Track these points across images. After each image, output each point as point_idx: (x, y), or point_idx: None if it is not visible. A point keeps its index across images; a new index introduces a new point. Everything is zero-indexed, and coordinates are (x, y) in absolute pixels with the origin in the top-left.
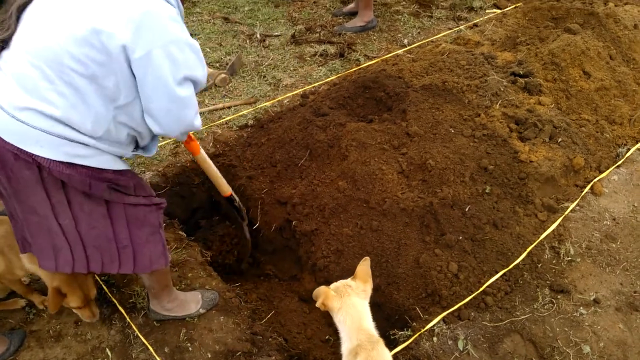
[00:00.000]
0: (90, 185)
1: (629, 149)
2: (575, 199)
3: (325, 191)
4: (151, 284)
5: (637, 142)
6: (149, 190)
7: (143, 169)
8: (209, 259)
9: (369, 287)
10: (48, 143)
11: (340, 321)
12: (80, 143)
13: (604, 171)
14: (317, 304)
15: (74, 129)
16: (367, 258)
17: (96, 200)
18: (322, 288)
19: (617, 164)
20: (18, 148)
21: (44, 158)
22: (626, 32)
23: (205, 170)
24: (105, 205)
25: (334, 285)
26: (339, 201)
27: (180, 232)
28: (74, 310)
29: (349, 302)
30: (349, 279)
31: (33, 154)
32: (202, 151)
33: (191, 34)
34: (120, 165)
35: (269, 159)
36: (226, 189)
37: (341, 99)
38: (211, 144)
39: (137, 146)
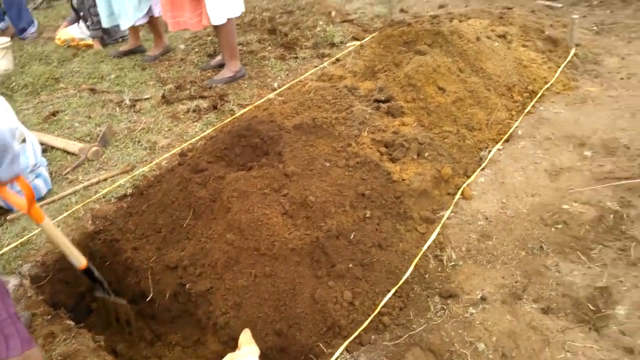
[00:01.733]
0: None
1: (490, 151)
2: (449, 207)
3: (215, 247)
4: None
5: (496, 143)
6: None
7: (20, 262)
8: (102, 343)
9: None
10: None
11: None
12: None
13: (471, 176)
14: None
15: None
16: (247, 329)
17: None
18: None
19: (481, 167)
20: None
21: None
22: (470, 45)
23: (53, 241)
24: None
25: None
26: (229, 254)
27: (68, 322)
28: None
29: None
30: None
31: None
32: (48, 219)
33: (58, 111)
34: None
35: (153, 226)
36: (82, 260)
37: (219, 152)
38: (90, 221)
39: None
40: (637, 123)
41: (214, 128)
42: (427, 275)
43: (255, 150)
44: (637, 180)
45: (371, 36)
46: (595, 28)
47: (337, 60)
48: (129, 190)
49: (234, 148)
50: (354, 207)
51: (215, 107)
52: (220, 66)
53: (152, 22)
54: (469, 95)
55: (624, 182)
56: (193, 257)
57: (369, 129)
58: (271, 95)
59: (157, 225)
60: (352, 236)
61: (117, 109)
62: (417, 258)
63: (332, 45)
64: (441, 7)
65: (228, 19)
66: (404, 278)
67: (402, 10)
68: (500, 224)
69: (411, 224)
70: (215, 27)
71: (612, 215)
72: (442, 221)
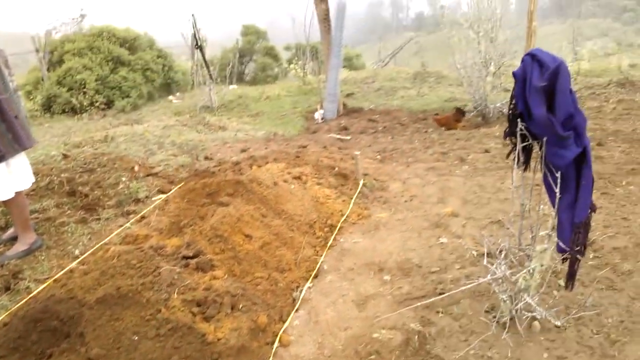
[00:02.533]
0: None
1: (301, 291)
2: (269, 358)
3: None
4: None
5: (306, 281)
6: None
7: None
8: None
9: None
10: None
11: None
12: None
13: (286, 320)
14: None
15: None
16: None
17: None
18: None
19: (295, 308)
20: None
21: None
22: (270, 190)
23: None
24: None
25: None
26: None
27: None
28: None
29: None
30: None
31: None
32: None
33: None
34: None
35: None
36: None
37: (12, 342)
38: None
39: None
40: (423, 242)
41: (7, 313)
42: None
43: (55, 334)
44: (432, 299)
45: (176, 188)
46: (379, 157)
47: (143, 217)
48: None
49: (29, 335)
50: None
51: (8, 288)
52: (14, 239)
53: None
54: (275, 238)
55: (421, 302)
56: None
57: (178, 289)
58: (73, 264)
59: None
60: None
61: None
62: None
63: (137, 201)
64: (243, 150)
65: (16, 193)
66: None
67: (206, 158)
68: None
69: None
70: (4, 202)
71: (416, 337)
72: None
